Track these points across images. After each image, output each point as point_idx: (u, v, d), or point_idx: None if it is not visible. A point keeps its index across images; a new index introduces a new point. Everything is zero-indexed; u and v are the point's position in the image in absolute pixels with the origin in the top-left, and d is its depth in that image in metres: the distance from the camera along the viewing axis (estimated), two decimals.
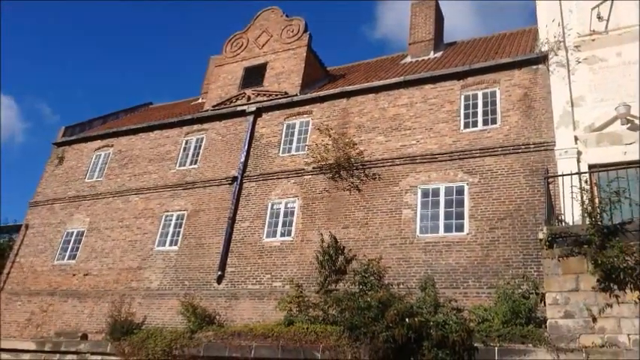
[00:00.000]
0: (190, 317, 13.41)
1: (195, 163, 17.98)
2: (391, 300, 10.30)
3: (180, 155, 18.56)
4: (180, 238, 16.56)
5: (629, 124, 11.93)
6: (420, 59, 18.15)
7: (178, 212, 17.15)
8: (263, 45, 19.65)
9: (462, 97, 14.61)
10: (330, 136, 15.47)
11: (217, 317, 13.95)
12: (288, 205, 15.43)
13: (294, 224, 14.99)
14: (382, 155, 14.77)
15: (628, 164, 10.96)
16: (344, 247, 13.66)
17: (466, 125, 14.17)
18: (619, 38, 13.15)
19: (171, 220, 17.17)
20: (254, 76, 19.08)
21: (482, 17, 59.58)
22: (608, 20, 13.46)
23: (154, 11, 60.89)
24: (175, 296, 15.13)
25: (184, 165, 18.24)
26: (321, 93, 17.03)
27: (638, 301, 8.55)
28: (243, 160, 16.80)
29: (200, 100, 22.61)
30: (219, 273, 15.10)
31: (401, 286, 12.25)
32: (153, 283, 16.15)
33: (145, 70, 63.86)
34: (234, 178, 16.55)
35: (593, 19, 13.65)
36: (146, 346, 12.21)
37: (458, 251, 12.49)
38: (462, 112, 14.38)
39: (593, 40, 13.44)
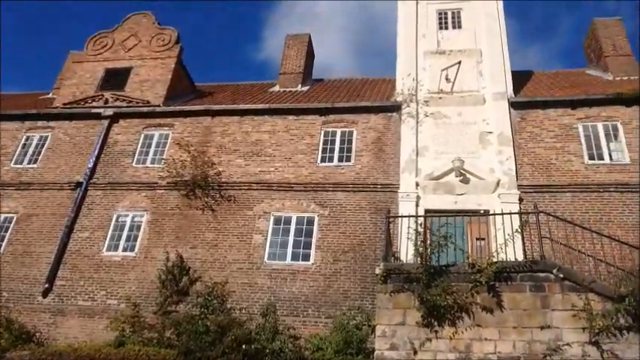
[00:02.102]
0: (4, 333, 11.96)
1: (35, 163, 16.36)
2: (231, 325, 10.27)
3: (17, 152, 16.76)
4: (4, 244, 14.80)
5: (461, 177, 13.42)
6: (287, 90, 18.67)
7: (6, 214, 15.36)
8: (130, 49, 18.78)
9: (323, 132, 15.30)
10: (189, 153, 15.12)
11: (38, 335, 12.66)
12: (135, 219, 14.66)
13: (139, 239, 14.25)
14: (240, 178, 14.80)
15: (457, 212, 12.33)
16: (189, 268, 13.28)
17: (323, 159, 14.81)
18: (461, 100, 14.84)
19: None
20: (116, 79, 18.08)
21: (360, 58, 63.23)
22: (454, 83, 15.15)
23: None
24: None
25: (21, 163, 16.49)
26: (186, 107, 16.66)
27: (452, 336, 9.48)
28: (91, 165, 15.67)
29: (50, 96, 20.71)
30: (47, 286, 13.74)
31: (243, 311, 12.24)
32: None
33: None
34: (79, 184, 15.35)
35: (442, 79, 15.27)
36: None
37: (302, 280, 12.84)
38: (321, 146, 15.04)
39: (440, 98, 15.00)
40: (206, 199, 14.55)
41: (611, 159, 13.49)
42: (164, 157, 15.64)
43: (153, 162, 15.74)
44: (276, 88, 19.07)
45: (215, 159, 15.22)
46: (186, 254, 13.54)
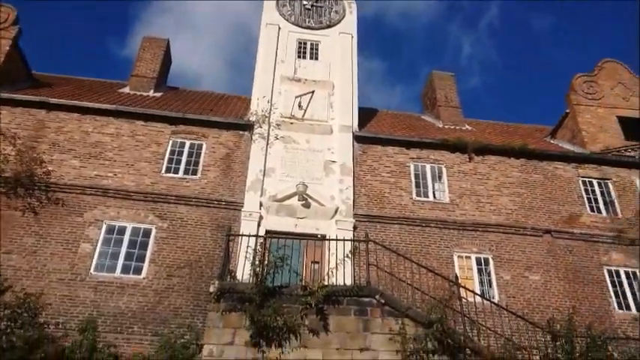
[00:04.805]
0: None
1: None
2: (41, 342, 9.32)
3: None
4: None
5: (303, 201, 13.90)
6: (138, 94, 17.77)
7: None
8: None
9: (171, 142, 14.80)
10: (15, 146, 13.62)
11: None
12: None
13: None
14: (72, 181, 13.63)
15: (297, 235, 12.72)
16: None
17: (168, 170, 14.30)
18: (310, 128, 15.46)
19: None
20: None
21: (233, 73, 62.31)
22: (305, 110, 15.74)
23: None
24: None
25: None
26: (17, 96, 14.95)
27: (279, 357, 9.66)
28: None
29: None
30: None
31: (60, 326, 11.19)
32: None
33: None
34: None
35: (295, 105, 15.77)
36: None
37: (130, 295, 12.14)
38: (167, 156, 14.52)
39: (292, 123, 15.47)
40: (29, 199, 13.14)
41: (434, 197, 15.03)
42: None
43: None
44: (126, 90, 18.06)
45: (46, 157, 13.86)
46: None
